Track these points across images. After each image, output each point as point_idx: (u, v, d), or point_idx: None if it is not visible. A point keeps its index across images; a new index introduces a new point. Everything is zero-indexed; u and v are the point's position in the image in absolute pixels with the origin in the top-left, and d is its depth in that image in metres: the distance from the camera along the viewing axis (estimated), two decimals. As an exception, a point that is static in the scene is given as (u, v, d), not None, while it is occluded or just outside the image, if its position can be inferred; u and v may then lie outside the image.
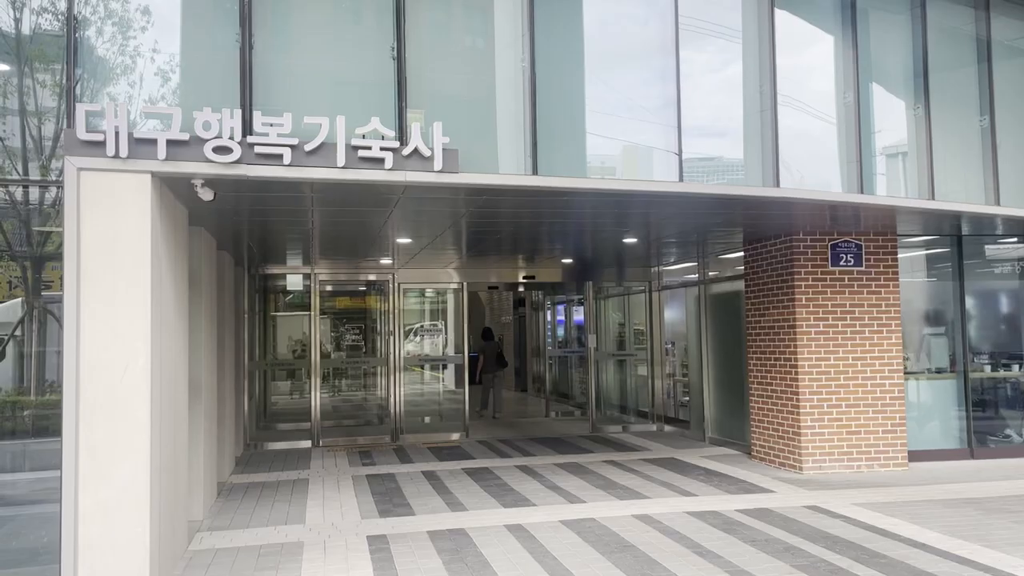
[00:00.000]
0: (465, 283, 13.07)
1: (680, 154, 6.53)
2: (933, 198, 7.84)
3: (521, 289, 18.14)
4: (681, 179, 6.56)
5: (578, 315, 17.64)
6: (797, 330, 9.31)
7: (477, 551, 6.25)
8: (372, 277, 12.97)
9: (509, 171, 6.09)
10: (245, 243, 9.53)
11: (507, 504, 7.88)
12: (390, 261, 11.97)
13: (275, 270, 12.77)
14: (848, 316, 9.43)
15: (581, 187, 6.21)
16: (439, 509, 7.73)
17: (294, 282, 12.57)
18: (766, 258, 9.93)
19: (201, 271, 7.61)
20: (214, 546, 6.58)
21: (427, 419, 13.76)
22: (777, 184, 6.94)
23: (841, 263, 9.44)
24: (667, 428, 13.31)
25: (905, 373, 9.65)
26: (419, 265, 12.52)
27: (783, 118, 6.91)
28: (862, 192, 7.42)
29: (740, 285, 10.75)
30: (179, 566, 6.04)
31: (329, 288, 13.66)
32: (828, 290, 9.41)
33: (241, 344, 11.84)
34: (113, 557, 5.05)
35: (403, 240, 9.29)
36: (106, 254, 5.11)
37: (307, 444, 12.27)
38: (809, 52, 7.74)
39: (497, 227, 8.69)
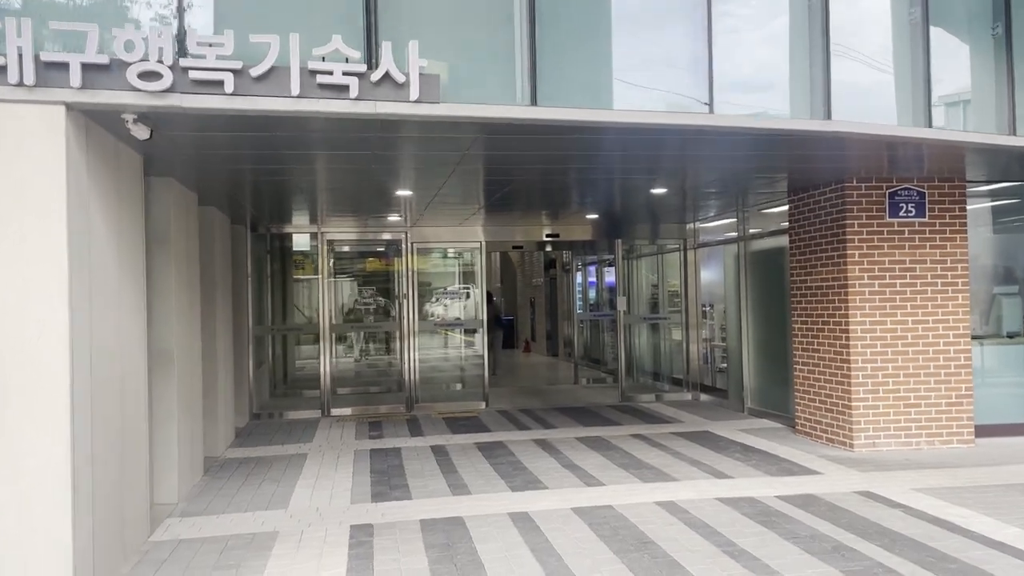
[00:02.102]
0: (484, 242, 12.13)
1: (711, 79, 5.47)
2: (1015, 133, 6.66)
3: (549, 249, 17.13)
4: (712, 110, 5.50)
5: (610, 276, 16.61)
6: (849, 290, 8.23)
7: (471, 547, 5.39)
8: (384, 236, 12.10)
9: (502, 101, 5.10)
10: (232, 198, 8.69)
11: (516, 487, 7.02)
12: (400, 218, 11.07)
13: (279, 229, 11.96)
14: (908, 274, 8.30)
15: (589, 121, 5.19)
16: (439, 492, 6.90)
17: (301, 242, 11.77)
18: (814, 209, 8.82)
19: (170, 227, 6.79)
20: (178, 536, 5.83)
21: (445, 388, 12.96)
22: (828, 116, 5.85)
23: (901, 214, 8.29)
24: (703, 397, 12.33)
25: (971, 338, 8.51)
26: (433, 223, 11.62)
27: (836, 36, 5.80)
28: (930, 126, 6.28)
29: (784, 241, 9.66)
30: (129, 562, 5.29)
31: (338, 248, 12.83)
32: (885, 244, 8.28)
33: (244, 308, 11.10)
34: (33, 558, 4.29)
35: (402, 192, 8.37)
36: (12, 200, 4.28)
37: (317, 414, 11.55)
38: (867, -37, 6.57)
39: (505, 175, 7.72)
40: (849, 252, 8.24)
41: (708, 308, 12.69)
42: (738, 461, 7.87)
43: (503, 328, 15.85)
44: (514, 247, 14.60)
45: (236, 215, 10.33)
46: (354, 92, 4.64)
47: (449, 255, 13.99)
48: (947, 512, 5.95)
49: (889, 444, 8.22)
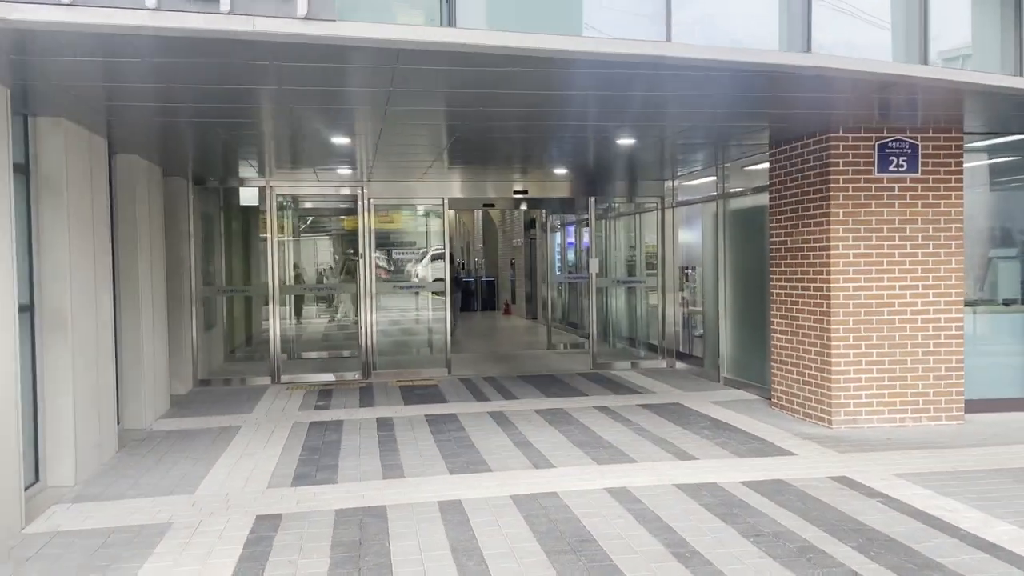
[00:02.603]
0: (447, 199, 11.32)
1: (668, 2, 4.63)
2: (1022, 74, 5.86)
3: (524, 207, 16.31)
4: (669, 38, 4.68)
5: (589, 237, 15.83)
6: (831, 252, 7.47)
7: (384, 545, 4.69)
8: (338, 191, 11.27)
9: (412, 21, 4.27)
10: (151, 144, 7.85)
11: (456, 468, 6.31)
12: (354, 171, 10.24)
13: (225, 183, 11.11)
14: (896, 235, 7.55)
15: (518, 47, 4.34)
16: (369, 475, 6.19)
17: (249, 197, 10.93)
18: (796, 163, 8.03)
19: (64, 175, 5.97)
20: (57, 528, 5.11)
21: (405, 354, 12.23)
22: (807, 48, 5.04)
23: (891, 168, 7.51)
24: (679, 365, 11.63)
25: (964, 304, 7.79)
26: (390, 176, 10.78)
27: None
28: (925, 63, 5.48)
29: (765, 200, 8.88)
30: (-12, 561, 4.58)
31: (289, 204, 12.01)
32: (873, 202, 7.51)
33: (184, 267, 10.30)
34: None
35: (340, 139, 7.54)
36: None
37: (267, 381, 10.83)
38: None
39: (448, 121, 6.90)
40: (832, 210, 7.47)
41: (691, 271, 11.94)
42: (706, 439, 7.17)
43: (461, 288, 15.70)
44: (485, 205, 13.80)
45: (171, 166, 9.49)
46: (226, 5, 3.81)
47: (410, 213, 13.14)
48: (932, 504, 5.26)
49: (871, 421, 7.54)
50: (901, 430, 7.44)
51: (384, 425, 7.98)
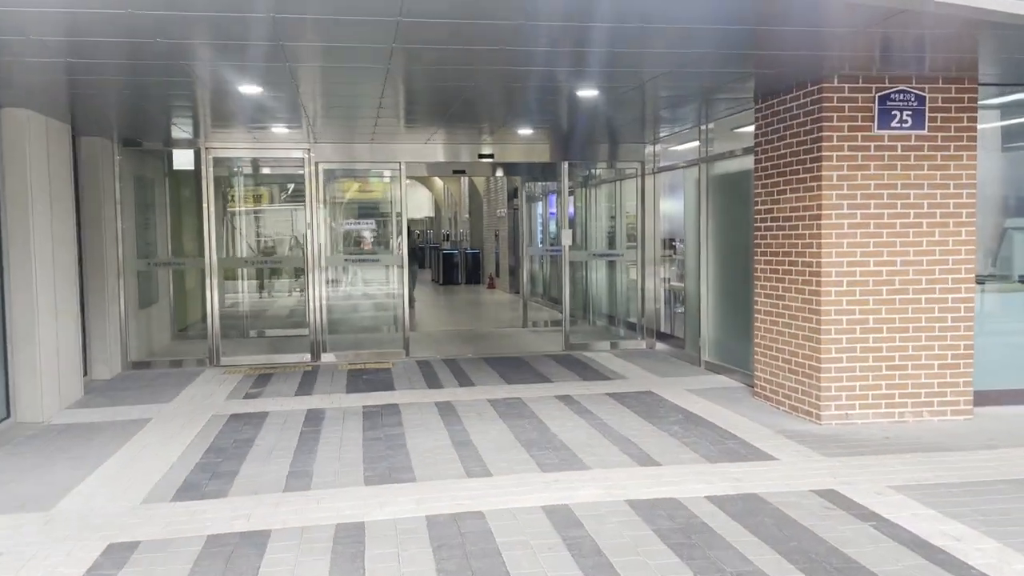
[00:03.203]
0: (404, 163, 10.27)
1: None
2: (1056, 2, 4.80)
3: (500, 174, 15.26)
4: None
5: (570, 206, 14.80)
6: (823, 221, 6.46)
7: (247, 589, 3.74)
8: (282, 154, 10.22)
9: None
10: (56, 99, 6.82)
11: (374, 477, 5.36)
12: (296, 130, 9.19)
13: (156, 145, 10.06)
14: (899, 202, 6.53)
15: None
16: (268, 486, 5.24)
17: (181, 160, 9.90)
18: (784, 119, 6.98)
19: None
20: None
21: (359, 333, 11.25)
22: (788, -39, 3.98)
23: (893, 124, 6.47)
24: (659, 346, 10.66)
25: (975, 282, 6.79)
26: (339, 137, 9.75)
27: None
28: (938, -15, 4.42)
29: (751, 163, 7.85)
30: None
31: (227, 168, 10.98)
32: (871, 164, 6.48)
33: (109, 238, 9.31)
34: None
35: (249, 88, 6.50)
36: None
37: (205, 364, 9.88)
38: None
39: (379, 58, 5.85)
40: (825, 173, 6.44)
41: (679, 243, 10.94)
42: (674, 438, 6.21)
43: (419, 262, 15.28)
44: (456, 171, 12.74)
45: (87, 125, 8.45)
46: None
47: (363, 178, 12.09)
48: (936, 530, 4.30)
49: (865, 416, 6.57)
50: (900, 427, 6.48)
51: (312, 419, 7.03)
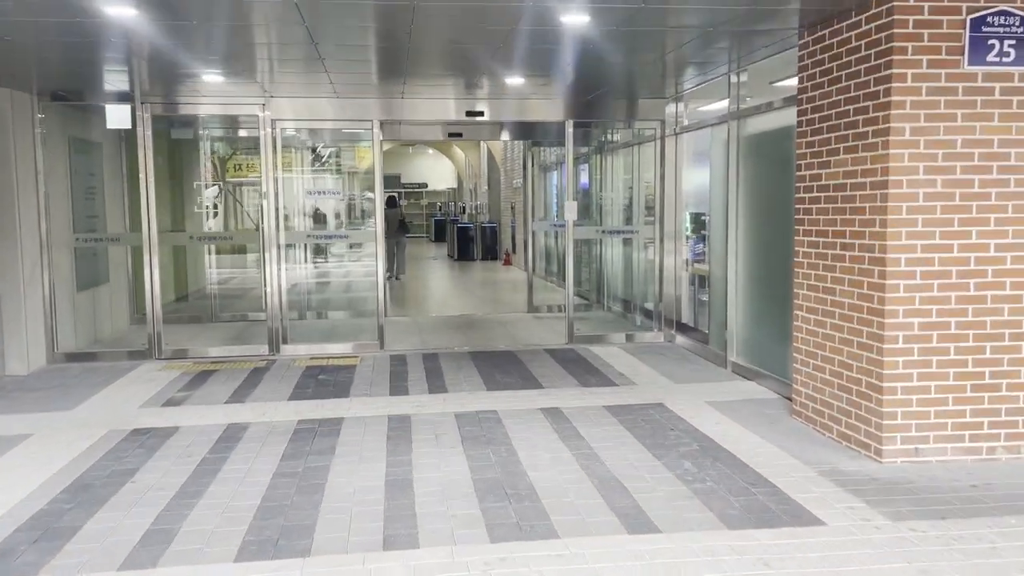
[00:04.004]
0: (379, 120, 8.69)
1: None
2: None
3: (505, 137, 13.63)
4: None
5: (584, 175, 13.16)
6: (890, 191, 4.79)
7: None
8: (232, 110, 8.69)
9: None
10: None
11: (252, 549, 3.85)
12: (247, 80, 7.67)
13: (85, 99, 8.58)
14: (994, 164, 4.83)
15: None
16: (101, 559, 3.77)
17: (116, 118, 8.42)
18: (839, 55, 5.28)
19: None
20: None
21: (326, 323, 9.79)
22: None
23: (989, 58, 4.75)
24: (679, 340, 9.03)
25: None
26: (300, 91, 8.21)
27: None
28: None
29: (792, 118, 6.16)
30: None
31: (168, 127, 9.50)
32: (958, 113, 4.78)
33: (22, 209, 7.91)
34: None
35: (180, 22, 4.97)
36: None
37: (143, 355, 8.48)
38: None
39: None
40: (894, 126, 4.75)
41: (707, 218, 9.29)
42: (683, 482, 4.62)
43: (406, 232, 16.96)
44: (451, 135, 11.12)
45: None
46: None
47: (330, 140, 10.54)
48: None
49: (942, 451, 4.92)
50: (990, 467, 4.82)
51: (226, 440, 5.56)
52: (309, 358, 8.43)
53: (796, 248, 5.82)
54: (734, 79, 7.41)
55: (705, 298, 8.88)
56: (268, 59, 6.77)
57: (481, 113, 8.85)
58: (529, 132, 11.51)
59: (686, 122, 8.85)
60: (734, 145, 7.42)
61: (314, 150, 11.23)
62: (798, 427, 5.71)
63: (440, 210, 35.00)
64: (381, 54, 6.56)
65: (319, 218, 12.20)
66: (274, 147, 8.45)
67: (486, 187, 25.84)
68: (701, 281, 9.12)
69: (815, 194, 5.57)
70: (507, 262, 20.80)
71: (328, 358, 8.41)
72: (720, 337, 7.81)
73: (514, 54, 6.52)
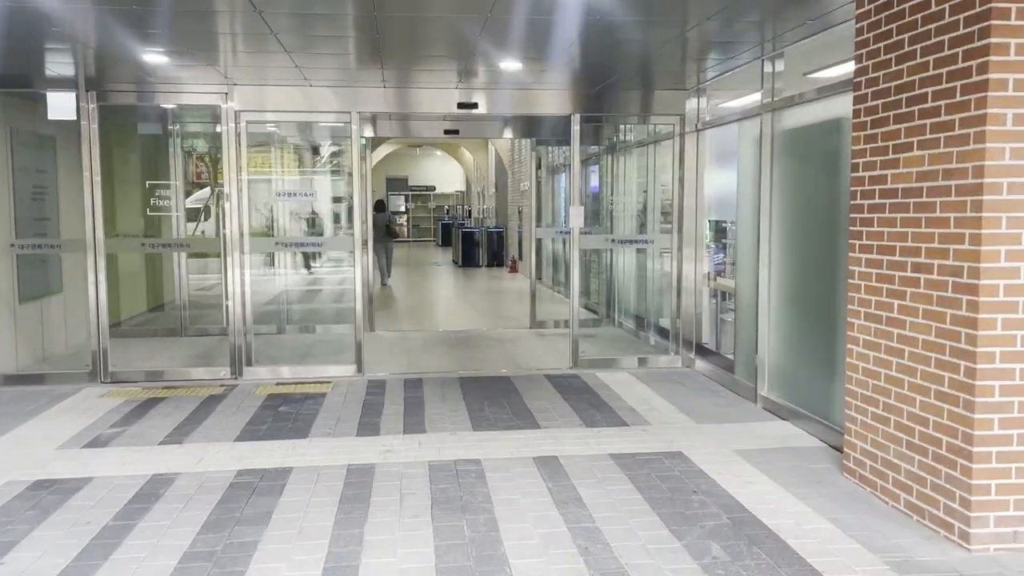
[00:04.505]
0: (357, 113, 7.62)
1: None
2: None
3: (508, 135, 12.54)
4: None
5: (594, 178, 12.06)
6: (985, 197, 3.67)
7: None
8: (191, 100, 7.64)
9: None
10: None
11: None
12: (208, 66, 6.63)
13: (31, 86, 7.57)
14: (1124, 165, 3.70)
15: None
16: None
17: (59, 107, 7.40)
18: (912, 25, 4.16)
19: None
20: None
21: (297, 341, 8.73)
22: None
23: (1121, 24, 3.62)
24: (699, 364, 7.90)
25: None
26: (270, 79, 7.16)
27: None
28: None
29: (843, 107, 5.06)
30: None
31: (119, 118, 8.46)
32: (1078, 96, 3.66)
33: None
34: None
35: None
36: None
37: (85, 379, 7.45)
38: None
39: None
40: (991, 113, 3.64)
41: (727, 225, 8.20)
42: (712, 578, 3.51)
43: (394, 237, 16.75)
44: (446, 132, 10.06)
45: None
46: None
47: (303, 135, 9.48)
48: None
49: (1051, 536, 3.79)
50: (1115, 561, 3.69)
51: (140, 501, 4.49)
52: (275, 383, 7.36)
53: (851, 267, 4.70)
54: (768, 68, 6.30)
55: (729, 317, 7.78)
56: (218, 36, 5.72)
57: (475, 105, 7.75)
58: (532, 128, 10.41)
59: (709, 117, 7.73)
60: (767, 142, 6.31)
61: (316, 149, 10.21)
62: (852, 490, 4.58)
63: (448, 213, 33.95)
64: (344, 28, 5.49)
65: (313, 223, 11.19)
66: (238, 142, 7.39)
67: (493, 190, 24.80)
68: (723, 297, 8.02)
69: (877, 200, 4.45)
70: (513, 269, 19.73)
71: (296, 384, 7.34)
72: (748, 365, 6.69)
73: (506, 29, 5.43)
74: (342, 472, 4.91)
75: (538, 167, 16.42)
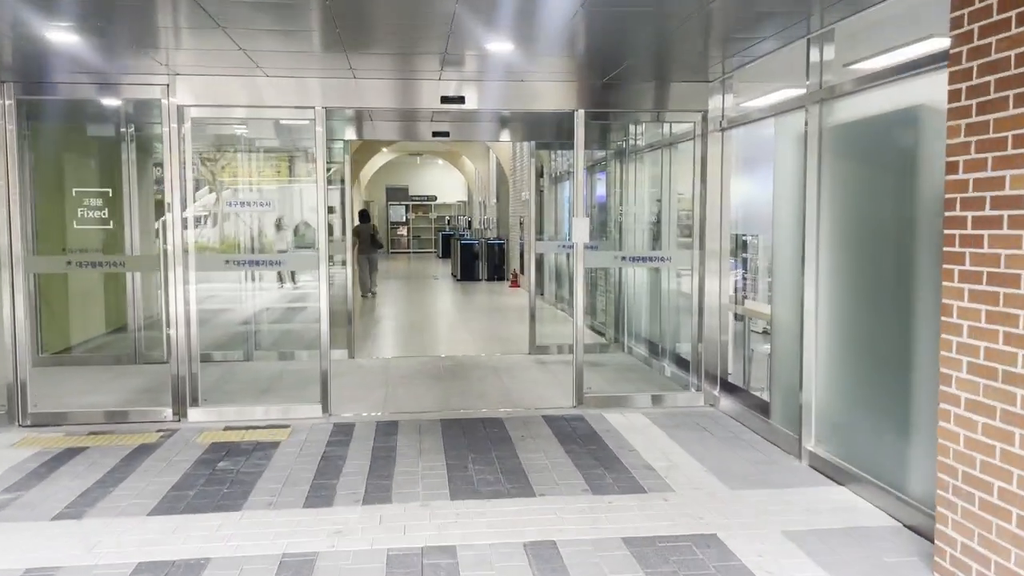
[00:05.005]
0: (322, 108, 6.48)
1: None
2: None
3: (504, 137, 11.44)
4: None
5: (601, 186, 10.91)
6: None
7: None
8: (125, 94, 6.51)
9: None
10: None
11: None
12: (137, 51, 5.50)
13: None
14: None
15: None
16: None
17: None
18: (1047, -31, 2.99)
19: None
20: None
21: (252, 376, 7.58)
22: None
23: None
24: (724, 403, 6.71)
25: None
26: (218, 67, 6.03)
27: None
28: None
29: (921, 92, 3.92)
30: None
31: (39, 115, 7.34)
32: None
33: None
34: None
35: None
36: None
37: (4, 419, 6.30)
38: None
39: None
40: None
41: (749, 239, 7.06)
42: None
43: (379, 248, 16.21)
44: (435, 134, 8.90)
45: None
46: None
47: (257, 133, 8.33)
48: None
49: None
50: None
51: (-2, 610, 3.32)
52: (223, 427, 6.20)
53: (946, 301, 3.52)
54: (815, 50, 5.14)
55: (762, 348, 6.62)
56: (151, 13, 4.59)
57: (462, 99, 6.59)
58: (531, 129, 9.27)
59: (735, 114, 6.57)
60: (814, 140, 5.14)
61: (282, 152, 9.06)
62: (954, 604, 3.39)
63: (449, 224, 32.83)
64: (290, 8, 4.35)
65: (299, 232, 10.07)
66: (181, 142, 6.26)
67: (495, 200, 23.67)
68: (749, 322, 6.86)
69: (988, 212, 3.27)
70: (514, 284, 18.58)
71: (248, 428, 6.18)
72: (789, 410, 5.50)
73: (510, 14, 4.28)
74: (272, 568, 3.73)
75: (539, 175, 15.29)
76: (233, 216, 8.13)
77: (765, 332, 6.70)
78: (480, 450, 5.58)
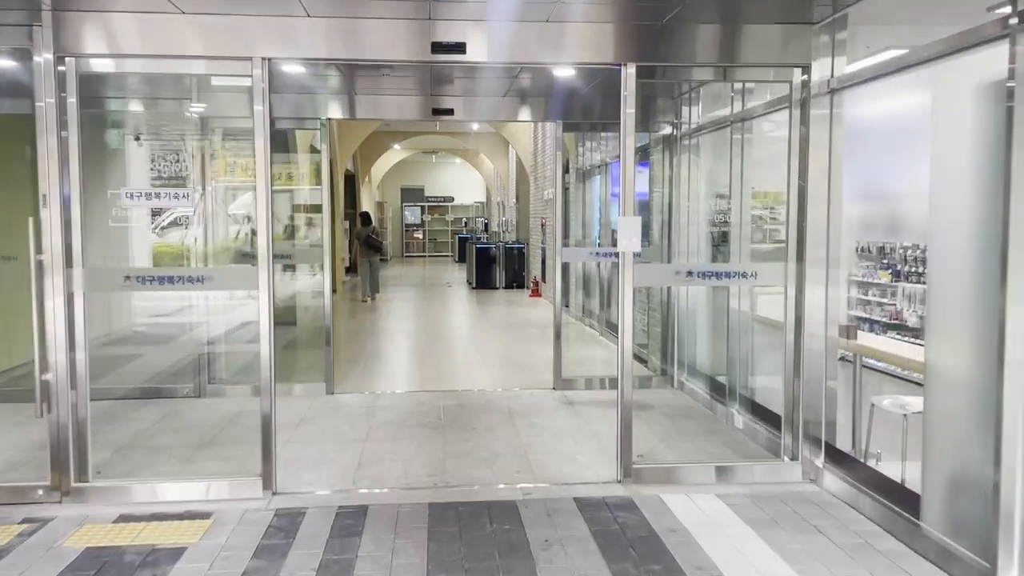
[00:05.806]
0: (260, 57, 4.53)
1: None
2: None
3: (528, 116, 9.54)
4: None
5: (643, 179, 8.88)
6: None
7: None
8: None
9: None
10: None
11: None
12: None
13: None
14: None
15: None
16: None
17: None
18: None
19: None
20: None
21: (205, 420, 5.67)
22: None
23: None
24: (828, 480, 4.68)
25: None
26: (120, 2, 4.14)
27: None
28: None
29: None
30: None
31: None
32: None
33: None
34: None
35: None
36: None
37: None
38: None
39: None
40: None
41: (915, 250, 5.04)
42: None
43: (378, 250, 15.22)
44: (435, 112, 6.95)
45: None
46: None
47: (175, 95, 6.39)
48: None
49: None
50: None
51: None
52: (116, 517, 4.29)
53: None
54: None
55: (881, 401, 4.63)
56: None
57: (461, 48, 4.62)
58: (557, 101, 7.28)
59: (857, 67, 4.57)
60: (999, 102, 3.14)
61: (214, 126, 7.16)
62: None
63: (466, 227, 30.93)
64: None
65: (288, 230, 8.23)
66: (61, 106, 4.37)
67: (514, 201, 21.73)
68: (868, 366, 4.86)
69: None
70: (535, 293, 16.64)
71: (151, 519, 4.27)
72: (963, 516, 3.50)
73: None
74: None
75: (565, 171, 13.29)
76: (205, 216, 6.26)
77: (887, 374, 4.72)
78: (482, 571, 3.63)
